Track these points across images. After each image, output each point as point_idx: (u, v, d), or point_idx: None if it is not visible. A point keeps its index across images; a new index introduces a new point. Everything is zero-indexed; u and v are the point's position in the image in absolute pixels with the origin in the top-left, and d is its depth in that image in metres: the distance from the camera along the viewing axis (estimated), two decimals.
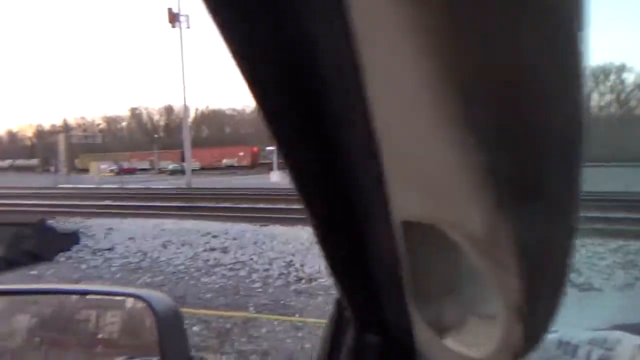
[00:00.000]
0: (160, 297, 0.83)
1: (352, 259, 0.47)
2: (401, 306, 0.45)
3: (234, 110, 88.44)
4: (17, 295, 1.05)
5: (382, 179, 0.34)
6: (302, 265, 6.97)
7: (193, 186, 26.84)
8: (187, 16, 27.75)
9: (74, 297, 0.97)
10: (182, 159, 46.98)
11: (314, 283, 6.31)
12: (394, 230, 0.38)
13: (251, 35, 0.31)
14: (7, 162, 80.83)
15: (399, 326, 0.49)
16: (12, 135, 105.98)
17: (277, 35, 0.31)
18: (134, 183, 32.96)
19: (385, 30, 0.24)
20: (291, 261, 7.20)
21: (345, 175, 0.39)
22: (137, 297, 0.83)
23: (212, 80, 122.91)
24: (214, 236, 9.06)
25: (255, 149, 61.73)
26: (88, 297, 0.97)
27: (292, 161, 0.39)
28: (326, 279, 6.35)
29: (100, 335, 0.91)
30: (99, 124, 60.11)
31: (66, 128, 40.78)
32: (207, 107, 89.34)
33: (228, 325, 4.86)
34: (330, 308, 0.62)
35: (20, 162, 78.74)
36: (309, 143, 0.38)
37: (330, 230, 0.45)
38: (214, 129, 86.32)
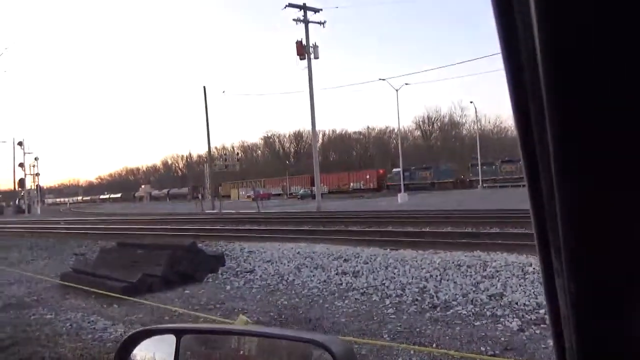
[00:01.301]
0: (339, 343, 0.84)
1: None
2: None
3: (359, 133, 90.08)
4: (202, 334, 1.16)
5: None
6: (436, 292, 6.70)
7: (322, 210, 27.71)
8: (315, 47, 29.19)
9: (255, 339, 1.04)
10: (311, 184, 49.00)
11: (450, 311, 6.01)
12: None
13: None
14: (163, 192, 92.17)
15: None
16: (166, 166, 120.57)
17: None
18: (269, 207, 35.08)
19: None
20: (425, 287, 6.97)
21: None
22: (315, 342, 0.85)
23: (337, 104, 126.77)
24: (345, 260, 9.17)
25: (381, 171, 61.91)
26: (268, 339, 1.04)
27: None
28: (464, 308, 6.02)
29: None
30: (237, 153, 65.53)
31: (210, 158, 45.09)
32: (334, 131, 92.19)
33: (363, 352, 4.83)
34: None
35: (173, 190, 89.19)
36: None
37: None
38: (340, 152, 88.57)
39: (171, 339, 1.03)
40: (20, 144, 60.29)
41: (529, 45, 0.30)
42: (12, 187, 69.38)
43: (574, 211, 0.35)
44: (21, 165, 61.71)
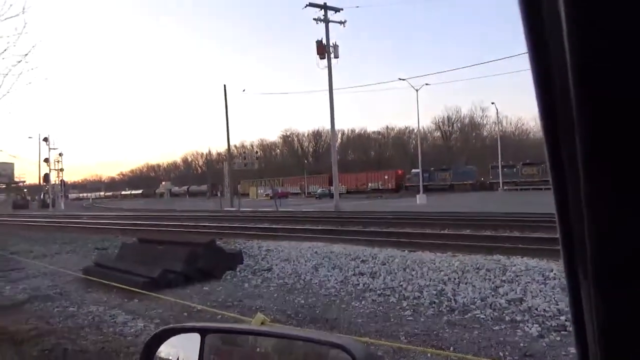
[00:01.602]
0: (362, 349, 0.85)
1: None
2: None
3: (378, 133, 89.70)
4: (226, 333, 1.18)
5: None
6: (454, 295, 6.65)
7: (340, 209, 27.68)
8: (335, 46, 29.17)
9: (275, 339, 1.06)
10: (329, 183, 48.96)
11: (468, 315, 5.96)
12: None
13: None
14: (183, 189, 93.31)
15: None
16: (187, 163, 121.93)
17: None
18: (287, 206, 35.19)
19: None
20: (443, 290, 6.92)
21: None
22: (339, 346, 0.86)
23: (356, 103, 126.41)
24: (363, 260, 9.16)
25: (400, 171, 61.51)
26: (290, 341, 1.05)
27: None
28: (482, 312, 5.96)
29: None
30: (256, 152, 65.89)
31: (229, 156, 45.43)
32: (353, 130, 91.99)
33: (379, 353, 4.82)
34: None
35: (193, 188, 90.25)
36: None
37: None
38: (358, 152, 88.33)
39: (196, 337, 1.05)
40: (45, 139, 61.71)
41: (558, 51, 0.30)
42: (37, 182, 71.13)
43: (601, 218, 0.34)
44: (46, 160, 63.17)
